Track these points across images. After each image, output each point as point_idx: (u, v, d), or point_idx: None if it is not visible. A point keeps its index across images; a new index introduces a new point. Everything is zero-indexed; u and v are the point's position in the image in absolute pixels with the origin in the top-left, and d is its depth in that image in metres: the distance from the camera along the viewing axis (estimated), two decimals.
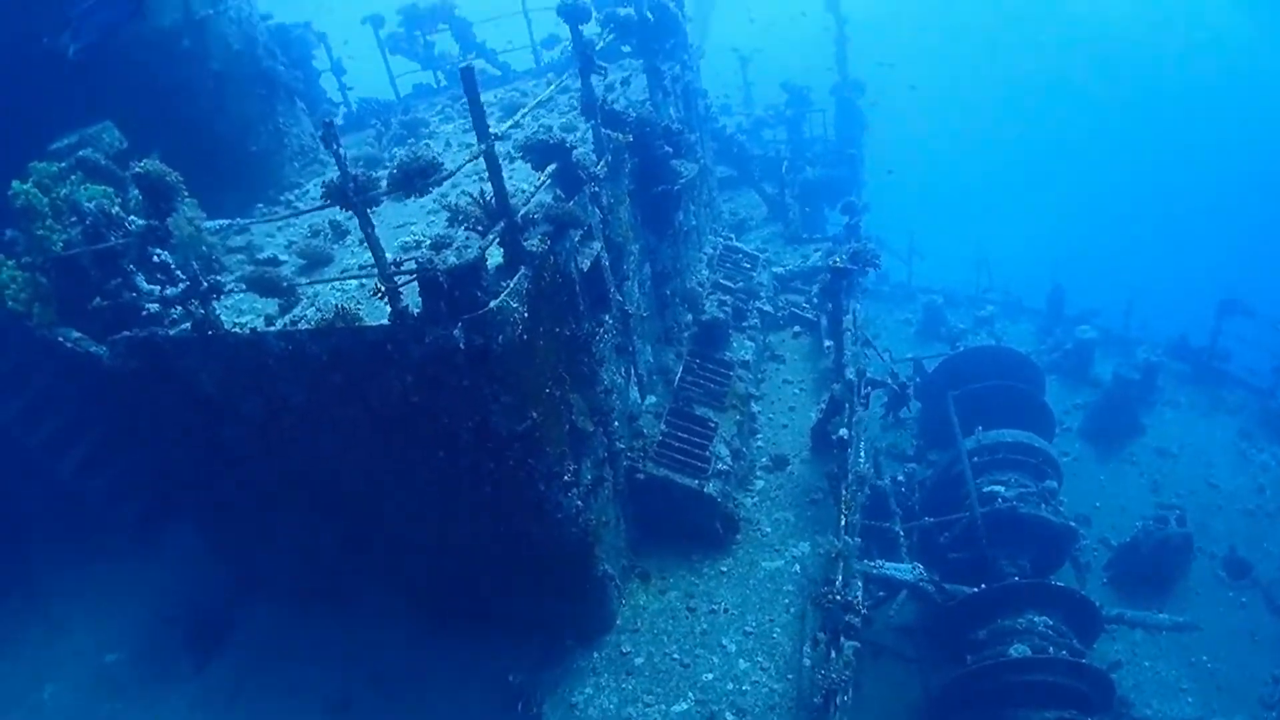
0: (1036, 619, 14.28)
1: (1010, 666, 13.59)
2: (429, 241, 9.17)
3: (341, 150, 7.00)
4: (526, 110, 9.24)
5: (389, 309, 7.66)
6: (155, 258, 9.33)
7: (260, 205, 13.52)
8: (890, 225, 30.01)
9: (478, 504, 9.39)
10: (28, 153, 10.58)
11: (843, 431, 10.78)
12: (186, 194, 10.68)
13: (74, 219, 9.89)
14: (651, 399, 12.38)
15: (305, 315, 9.00)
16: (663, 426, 12.07)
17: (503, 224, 7.84)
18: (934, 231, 33.70)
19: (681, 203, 12.67)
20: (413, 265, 7.49)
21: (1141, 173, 62.01)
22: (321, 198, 7.41)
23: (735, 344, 14.27)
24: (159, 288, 9.18)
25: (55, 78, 11.19)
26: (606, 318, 10.38)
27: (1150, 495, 19.63)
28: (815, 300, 16.71)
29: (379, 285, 7.47)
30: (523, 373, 8.32)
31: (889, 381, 15.04)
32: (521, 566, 10.10)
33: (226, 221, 9.34)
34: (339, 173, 7.11)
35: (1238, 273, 37.18)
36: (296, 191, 13.91)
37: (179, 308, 9.17)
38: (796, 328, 16.14)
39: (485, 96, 16.08)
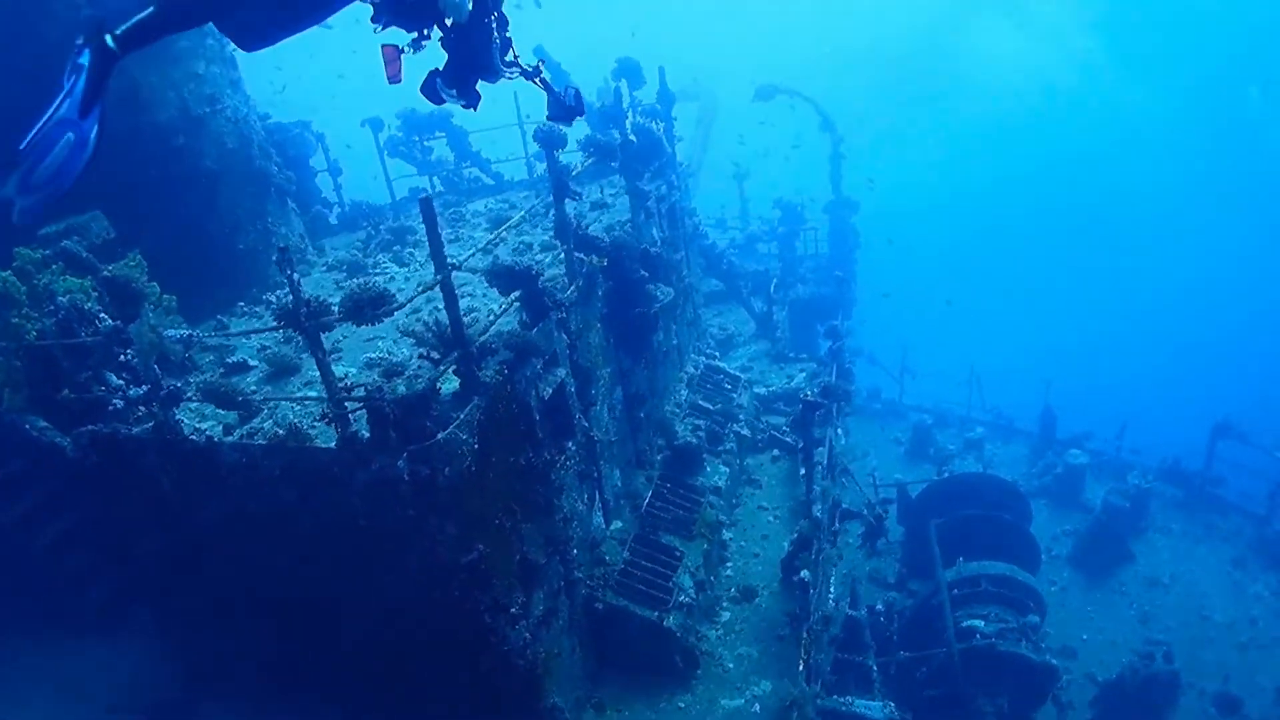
0: None
1: None
2: (394, 359, 9.20)
3: (295, 275, 7.00)
4: (497, 234, 9.21)
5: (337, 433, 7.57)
6: (121, 357, 9.32)
7: (242, 304, 13.51)
8: (883, 341, 30.07)
9: (425, 629, 9.14)
10: (20, 233, 10.64)
11: (804, 573, 10.50)
12: (154, 299, 10.88)
13: (51, 308, 9.89)
14: (618, 524, 12.14)
15: (262, 428, 8.93)
16: (626, 554, 11.80)
17: (457, 353, 7.74)
18: (927, 348, 33.76)
19: (657, 326, 12.62)
20: (362, 392, 7.44)
21: (1138, 293, 62.77)
22: (275, 320, 7.36)
23: (709, 468, 14.05)
24: (125, 385, 9.16)
25: None
26: (570, 444, 10.23)
27: (1140, 628, 19.28)
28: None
29: (325, 411, 7.41)
30: (470, 504, 8.15)
31: (864, 513, 14.80)
32: (470, 693, 9.78)
33: (187, 332, 9.35)
34: (292, 297, 7.03)
35: (1232, 396, 37.12)
36: (280, 292, 13.89)
37: (142, 408, 9.12)
38: (775, 451, 15.92)
39: (476, 205, 16.45)
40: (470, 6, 6.03)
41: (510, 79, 6.75)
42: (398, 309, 7.07)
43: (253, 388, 10.20)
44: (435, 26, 6.31)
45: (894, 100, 78.86)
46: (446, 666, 9.57)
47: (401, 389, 7.30)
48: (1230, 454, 22.73)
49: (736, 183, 28.23)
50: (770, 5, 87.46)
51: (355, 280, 8.27)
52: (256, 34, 5.94)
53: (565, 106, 6.64)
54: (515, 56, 6.56)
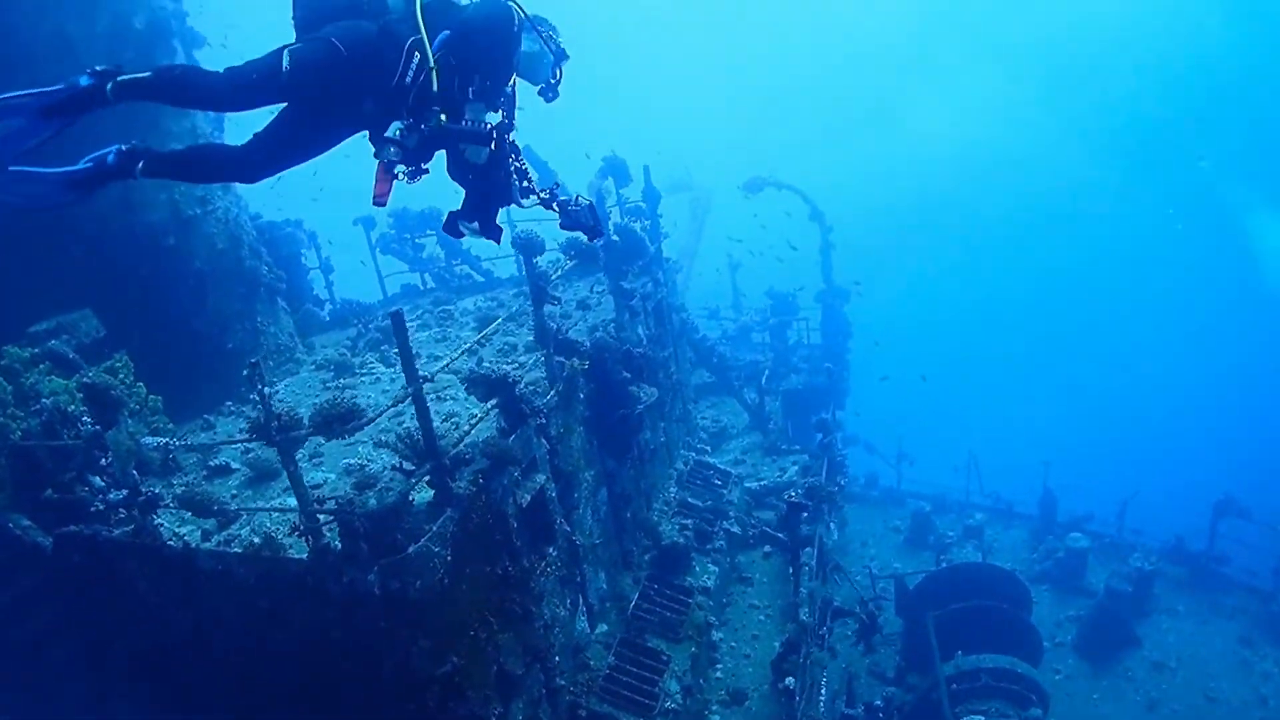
0: None
1: None
2: (371, 467, 9.18)
3: (266, 389, 7.00)
4: (478, 339, 9.25)
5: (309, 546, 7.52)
6: (102, 461, 9.33)
7: (229, 403, 13.50)
8: (879, 429, 29.99)
9: None
10: (11, 329, 10.72)
11: (789, 680, 10.28)
12: (138, 402, 10.91)
13: (36, 408, 9.91)
14: (603, 628, 11.95)
15: (240, 534, 8.90)
16: (611, 658, 11.59)
17: (429, 465, 7.70)
18: (924, 433, 33.69)
19: (641, 427, 12.59)
20: (333, 504, 7.41)
21: (1138, 372, 62.98)
22: (248, 433, 7.35)
23: (698, 568, 13.88)
24: (106, 488, 9.15)
25: (44, 258, 11.44)
26: (551, 550, 10.12)
27: (1147, 715, 18.85)
28: None
29: (296, 524, 7.36)
30: (444, 616, 8.04)
31: (857, 610, 14.58)
32: None
33: (165, 440, 9.34)
34: (263, 411, 7.03)
35: (1231, 470, 36.94)
36: (269, 390, 13.89)
37: (122, 511, 9.10)
38: (767, 547, 15.71)
39: (465, 303, 16.50)
40: (490, 149, 6.17)
41: (527, 208, 6.85)
42: (367, 423, 7.04)
43: (234, 492, 10.18)
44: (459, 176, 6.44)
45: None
46: None
47: (372, 502, 7.25)
48: (1233, 531, 22.53)
49: (730, 272, 28.44)
50: (752, 89, 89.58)
51: (325, 397, 8.26)
52: (254, 168, 6.10)
53: (585, 227, 6.70)
54: (531, 183, 6.66)
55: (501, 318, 10.93)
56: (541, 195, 6.65)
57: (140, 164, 5.83)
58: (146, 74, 5.65)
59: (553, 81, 6.83)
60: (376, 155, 6.16)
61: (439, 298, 17.48)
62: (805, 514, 12.92)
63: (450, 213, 6.65)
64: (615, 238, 13.21)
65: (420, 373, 7.44)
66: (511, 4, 6.38)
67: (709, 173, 38.24)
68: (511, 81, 6.65)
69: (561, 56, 6.78)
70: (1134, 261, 72.69)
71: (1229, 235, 66.94)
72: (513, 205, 6.67)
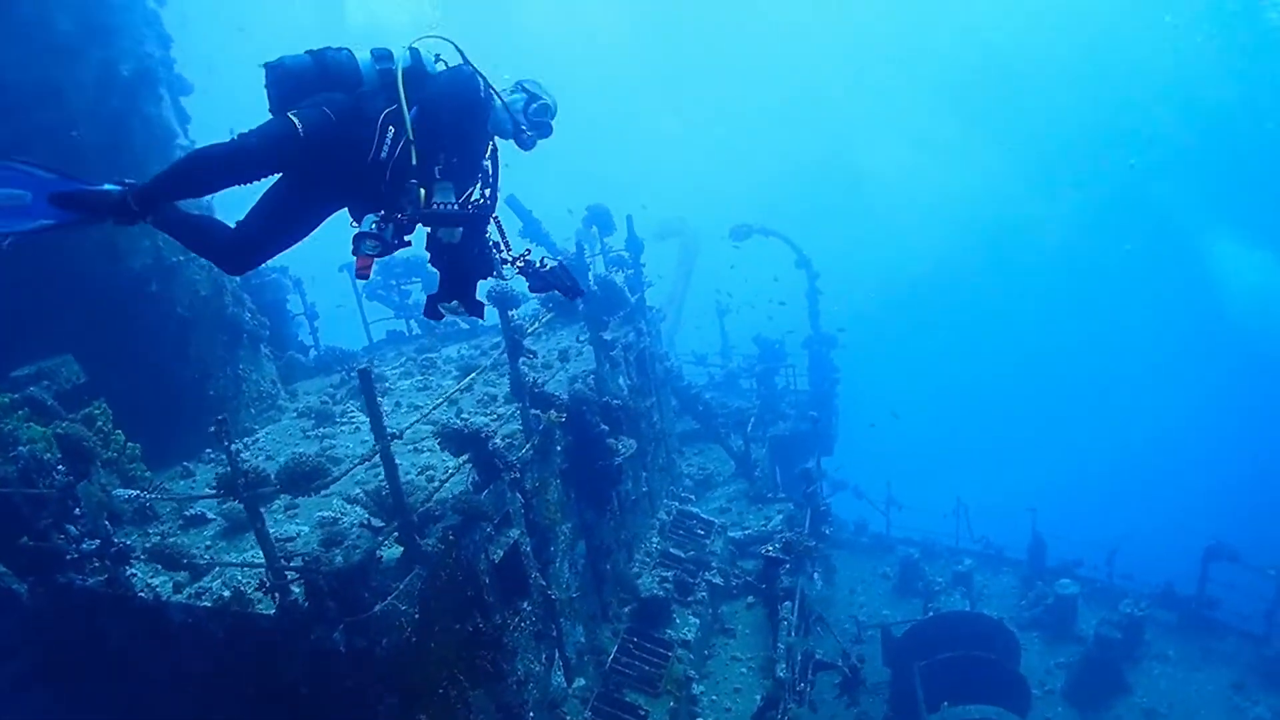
0: None
1: None
2: (343, 521, 9.12)
3: (232, 445, 6.96)
4: (453, 391, 9.24)
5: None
6: (75, 510, 9.30)
7: (209, 450, 13.43)
8: (868, 474, 29.88)
9: None
10: None
11: None
12: (116, 449, 10.87)
13: (13, 454, 9.88)
14: (581, 682, 11.83)
15: (211, 587, 8.83)
16: (588, 713, 11.47)
17: (397, 522, 7.66)
18: (912, 480, 33.51)
19: (620, 479, 12.54)
20: (300, 561, 7.36)
21: (1116, 406, 63.16)
22: (216, 489, 7.32)
23: (679, 620, 13.77)
24: (80, 538, 9.11)
25: (27, 303, 11.44)
26: (525, 604, 10.05)
27: None
28: None
29: (263, 580, 7.33)
30: (411, 675, 7.96)
31: (839, 664, 14.45)
32: None
33: (136, 493, 9.31)
34: (230, 467, 7.01)
35: (1219, 514, 36.82)
36: (248, 440, 13.86)
37: (96, 561, 9.05)
38: (750, 598, 15.58)
39: (448, 351, 16.49)
40: (464, 229, 5.96)
41: (506, 279, 6.71)
42: (332, 482, 7.01)
43: (208, 542, 10.08)
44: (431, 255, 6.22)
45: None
46: None
47: (339, 560, 7.23)
48: (1224, 575, 22.40)
49: (718, 319, 28.42)
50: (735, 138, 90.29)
51: (306, 446, 8.24)
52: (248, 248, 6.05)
53: (562, 287, 6.45)
54: (508, 251, 6.42)
55: (476, 371, 10.87)
56: (518, 265, 6.48)
57: (150, 216, 5.74)
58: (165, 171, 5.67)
59: (524, 130, 6.49)
60: (354, 250, 5.95)
61: (423, 345, 17.49)
62: (784, 567, 12.84)
63: (429, 296, 6.44)
64: (595, 289, 13.23)
65: (390, 429, 7.38)
66: (476, 70, 6.15)
67: (701, 217, 38.42)
68: (489, 150, 6.40)
69: (530, 104, 6.46)
70: (1095, 294, 73.12)
71: (1189, 264, 67.31)
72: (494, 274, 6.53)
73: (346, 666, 7.61)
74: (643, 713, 11.80)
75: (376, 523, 7.96)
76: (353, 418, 13.68)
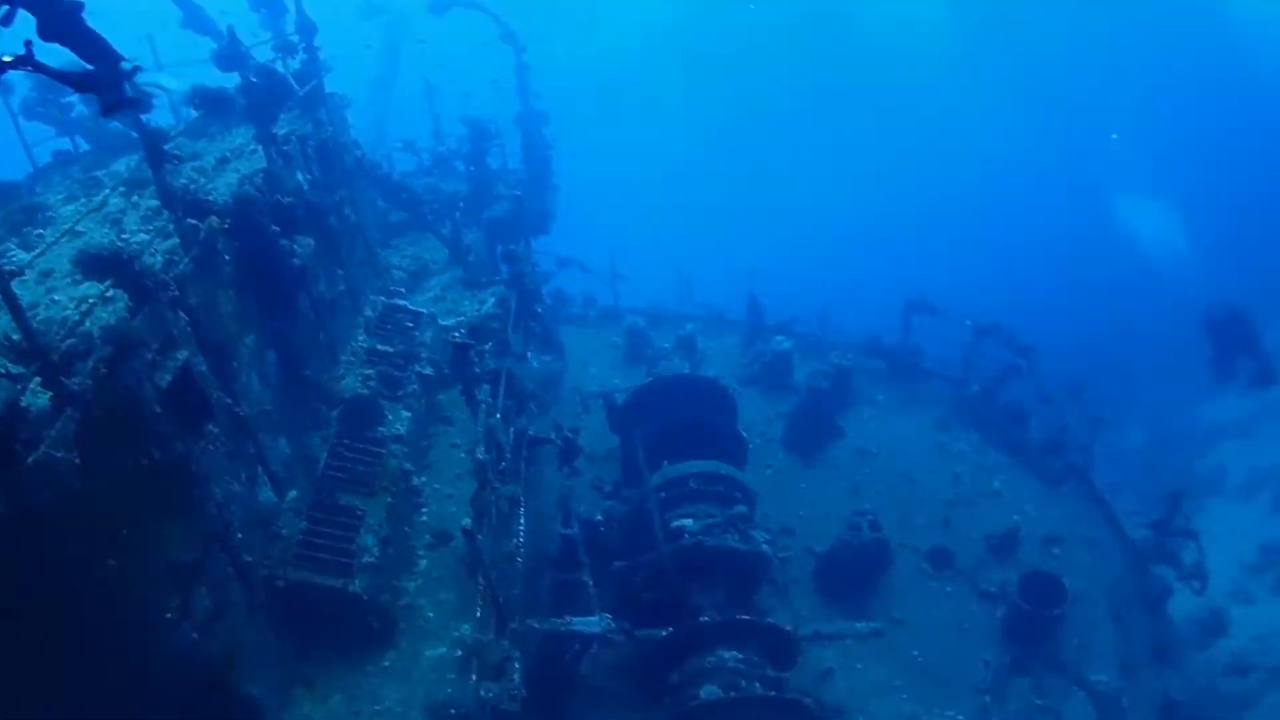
0: (726, 655, 14.37)
1: (701, 710, 13.71)
2: None
3: None
4: (76, 221, 8.25)
5: None
6: None
7: None
8: (591, 248, 29.91)
9: (96, 647, 8.35)
10: None
11: (465, 521, 10.29)
12: None
13: None
14: (293, 494, 11.55)
15: None
16: (304, 524, 11.26)
17: (35, 365, 6.89)
18: (635, 252, 33.84)
19: (304, 280, 11.89)
20: None
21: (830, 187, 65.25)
22: None
23: (390, 415, 13.58)
24: None
25: None
26: (211, 427, 9.52)
27: (852, 498, 20.16)
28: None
29: None
30: (88, 525, 7.39)
31: (553, 437, 14.81)
32: (166, 703, 9.10)
33: None
34: None
35: (920, 272, 39.49)
36: None
37: None
38: None
39: (117, 165, 14.62)
40: None
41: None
42: None
43: None
44: None
45: None
46: (135, 683, 8.83)
47: None
48: (925, 326, 24.29)
49: (427, 97, 26.70)
50: None
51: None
52: None
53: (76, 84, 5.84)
54: None
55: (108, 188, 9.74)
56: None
57: None
58: None
59: None
60: None
61: (89, 162, 15.40)
62: (473, 351, 12.77)
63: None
64: (254, 79, 12.01)
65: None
66: None
67: None
68: None
69: None
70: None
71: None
72: None
73: (13, 530, 6.91)
74: (360, 512, 11.71)
75: (16, 370, 7.09)
76: (11, 255, 12.04)
